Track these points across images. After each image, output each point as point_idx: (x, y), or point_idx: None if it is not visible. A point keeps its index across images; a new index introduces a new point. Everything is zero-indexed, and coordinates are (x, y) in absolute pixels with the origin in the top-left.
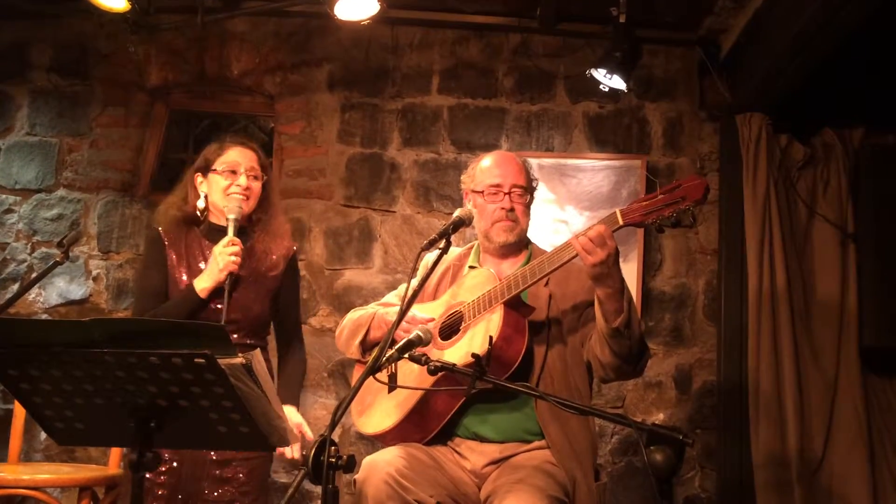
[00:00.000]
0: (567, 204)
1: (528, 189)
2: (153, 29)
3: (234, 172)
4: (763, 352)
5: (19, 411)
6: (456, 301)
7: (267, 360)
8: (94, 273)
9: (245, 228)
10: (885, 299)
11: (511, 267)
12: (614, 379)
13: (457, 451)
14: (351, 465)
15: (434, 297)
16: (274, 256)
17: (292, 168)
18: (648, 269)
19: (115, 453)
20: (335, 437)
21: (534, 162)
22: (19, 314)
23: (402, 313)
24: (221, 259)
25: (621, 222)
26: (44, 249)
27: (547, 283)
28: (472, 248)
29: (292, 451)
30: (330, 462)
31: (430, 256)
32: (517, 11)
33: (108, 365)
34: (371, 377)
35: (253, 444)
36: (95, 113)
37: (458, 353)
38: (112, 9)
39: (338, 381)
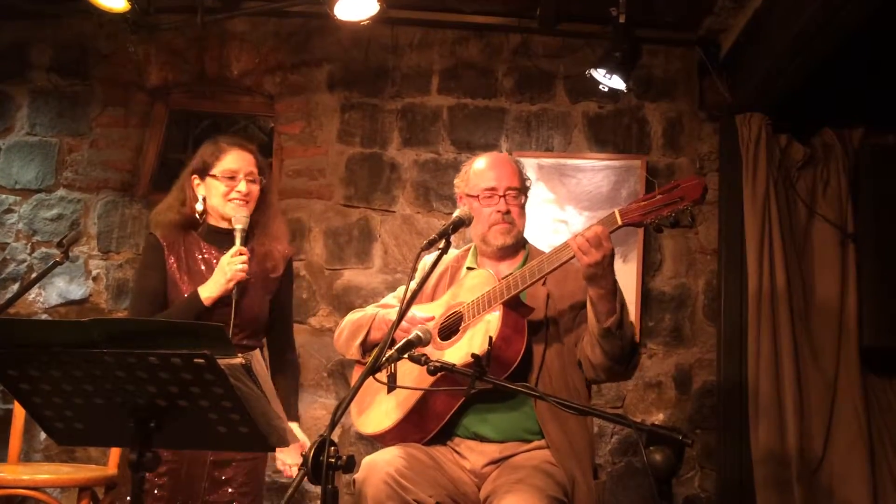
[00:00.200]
0: (567, 204)
1: (523, 190)
2: (153, 29)
3: (232, 179)
4: (763, 352)
5: (19, 411)
6: (455, 301)
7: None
8: (94, 273)
9: (245, 230)
10: (885, 299)
11: (509, 268)
12: (604, 380)
13: (456, 451)
14: (350, 465)
15: (432, 298)
16: (275, 259)
17: (292, 168)
18: (648, 269)
19: (115, 453)
20: (335, 437)
21: (533, 162)
22: (19, 314)
23: (402, 313)
24: (230, 269)
25: (620, 222)
26: (44, 249)
27: (545, 283)
28: (469, 249)
29: (291, 471)
30: (329, 462)
31: (429, 258)
32: (517, 11)
33: (108, 365)
34: (371, 377)
35: (252, 445)
36: (95, 113)
37: (457, 353)
38: (112, 9)
39: (337, 381)
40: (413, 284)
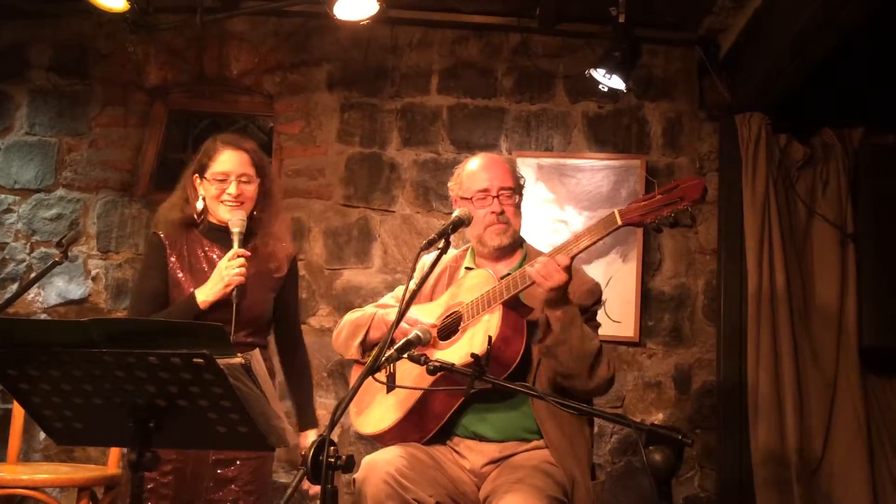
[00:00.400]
0: (566, 204)
1: (517, 189)
2: (152, 29)
3: (223, 181)
4: (762, 352)
5: (18, 411)
6: (455, 301)
7: (267, 360)
8: (93, 273)
9: (248, 228)
10: (885, 299)
11: (506, 268)
12: (568, 388)
13: (456, 451)
14: (350, 464)
15: (431, 298)
16: (279, 259)
17: (291, 168)
18: (648, 268)
19: (114, 453)
20: (334, 436)
21: (533, 162)
22: (18, 314)
23: (402, 313)
24: (227, 273)
25: (620, 222)
26: (43, 249)
27: None
28: (467, 249)
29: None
30: (329, 462)
31: (427, 258)
32: (517, 11)
33: (107, 365)
34: (370, 377)
35: (252, 444)
36: (95, 113)
37: (457, 353)
38: (111, 9)
39: (337, 381)
40: (412, 284)
